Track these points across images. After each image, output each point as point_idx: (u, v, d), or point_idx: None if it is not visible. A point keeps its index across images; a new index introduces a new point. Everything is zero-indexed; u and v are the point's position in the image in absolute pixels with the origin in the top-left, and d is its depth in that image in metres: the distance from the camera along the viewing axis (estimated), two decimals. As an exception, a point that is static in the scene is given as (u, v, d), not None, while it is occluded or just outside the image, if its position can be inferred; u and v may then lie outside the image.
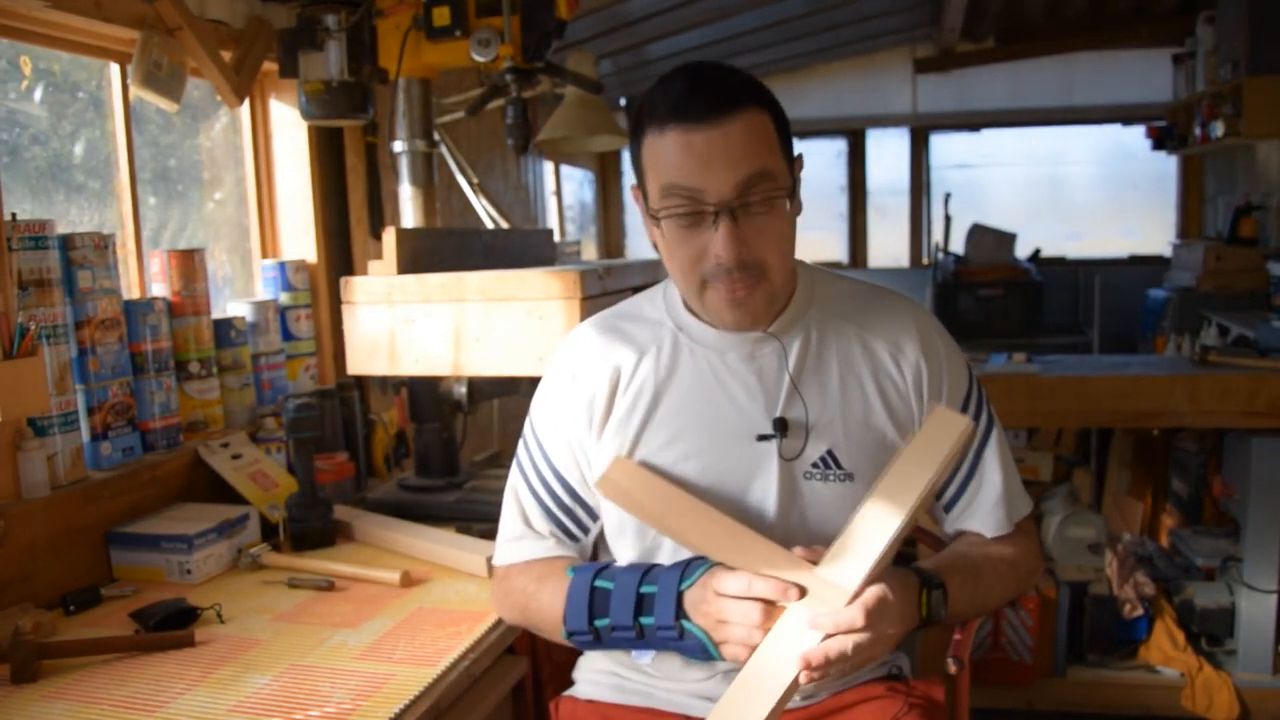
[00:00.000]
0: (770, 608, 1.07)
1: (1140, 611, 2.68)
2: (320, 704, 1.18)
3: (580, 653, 1.39)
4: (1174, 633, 2.68)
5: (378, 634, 1.38)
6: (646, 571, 1.16)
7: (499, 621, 1.42)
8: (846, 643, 1.03)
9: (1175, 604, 2.73)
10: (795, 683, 1.04)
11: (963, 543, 1.28)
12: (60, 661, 1.30)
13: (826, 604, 1.05)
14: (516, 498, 1.32)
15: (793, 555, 1.10)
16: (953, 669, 1.29)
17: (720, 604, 1.08)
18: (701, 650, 1.11)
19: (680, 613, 1.11)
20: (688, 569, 1.13)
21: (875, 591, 1.05)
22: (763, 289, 1.16)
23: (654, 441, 1.22)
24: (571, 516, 1.29)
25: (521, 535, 1.31)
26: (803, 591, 1.06)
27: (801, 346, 1.22)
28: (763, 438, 1.20)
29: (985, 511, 1.27)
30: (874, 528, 1.09)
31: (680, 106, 1.10)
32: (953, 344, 1.28)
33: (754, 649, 1.06)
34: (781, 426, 1.19)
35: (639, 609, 1.13)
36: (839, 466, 1.20)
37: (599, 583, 1.16)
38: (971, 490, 1.27)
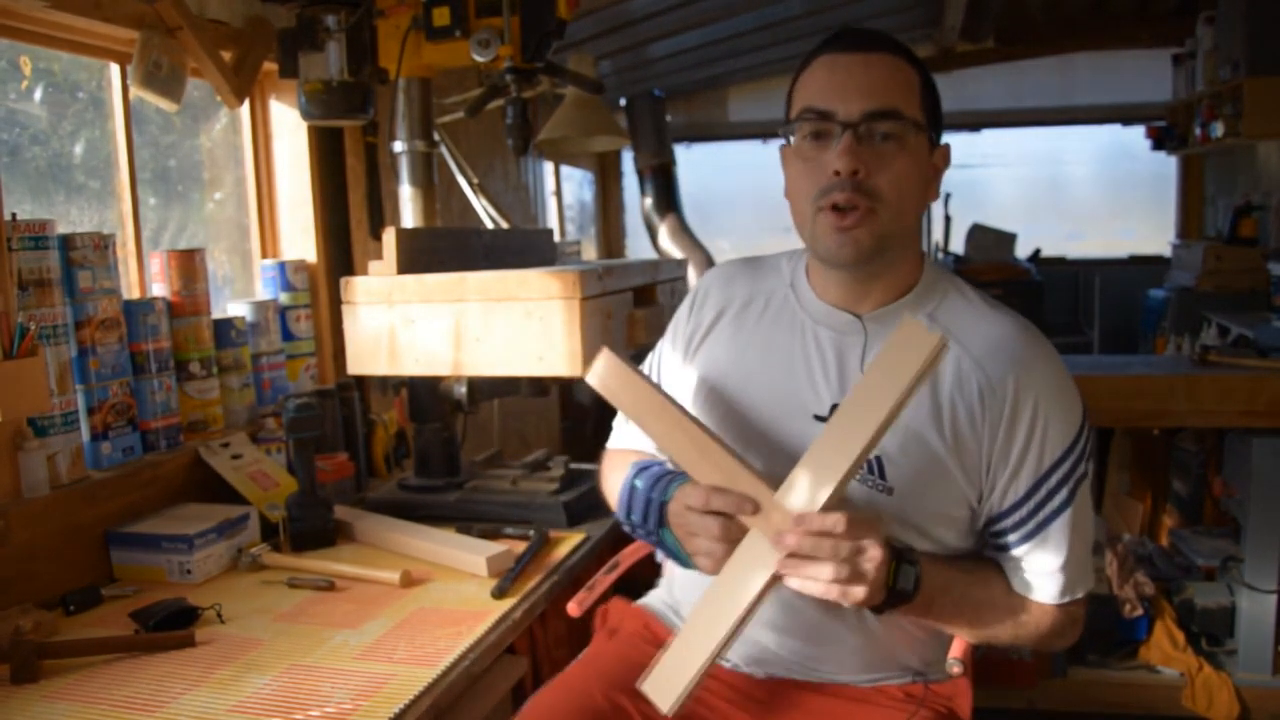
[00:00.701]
0: (729, 523, 1.10)
1: (1140, 611, 2.68)
2: (320, 704, 1.18)
3: (588, 623, 1.49)
4: (1174, 633, 2.68)
5: (378, 634, 1.38)
6: (660, 479, 1.21)
7: (499, 621, 1.42)
8: (817, 544, 1.03)
9: (1175, 604, 2.73)
10: (759, 599, 1.08)
11: (973, 559, 1.27)
12: (60, 661, 1.30)
13: (780, 527, 1.07)
14: None
15: (755, 477, 1.10)
16: (955, 670, 1.29)
17: (688, 517, 1.13)
18: (677, 559, 1.20)
19: (662, 522, 1.18)
20: (672, 481, 1.19)
21: (839, 511, 1.05)
22: (871, 224, 1.14)
23: (730, 381, 1.27)
24: None
25: (622, 423, 1.45)
26: (757, 507, 1.08)
27: None
28: (818, 418, 1.20)
29: (1035, 574, 1.20)
30: (835, 454, 1.07)
31: (835, 39, 1.18)
32: (1059, 411, 1.18)
33: (718, 560, 1.10)
34: None
35: (646, 513, 1.20)
36: (882, 476, 1.17)
37: (635, 482, 1.23)
38: (1029, 548, 1.20)
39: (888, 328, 1.19)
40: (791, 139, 1.19)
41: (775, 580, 1.07)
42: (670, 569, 1.44)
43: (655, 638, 1.37)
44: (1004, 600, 1.22)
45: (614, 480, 1.35)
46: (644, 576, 1.52)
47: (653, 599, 1.46)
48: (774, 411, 1.23)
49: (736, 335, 1.30)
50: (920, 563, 1.13)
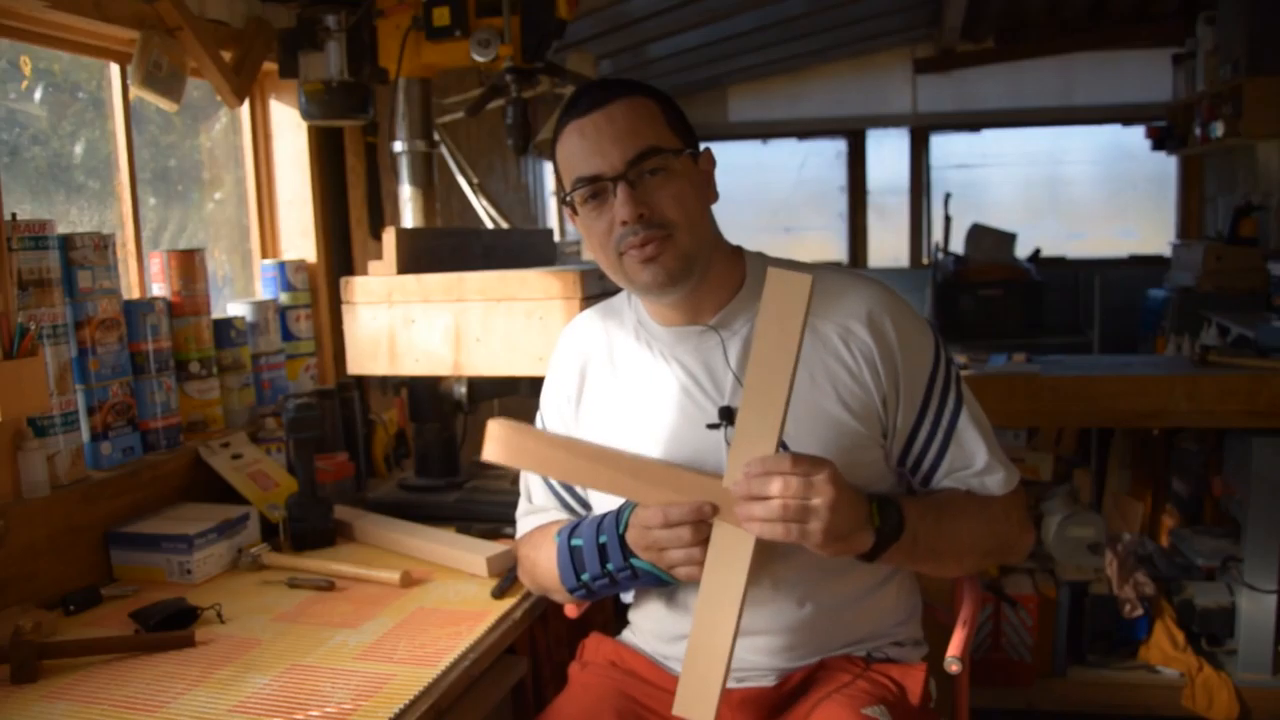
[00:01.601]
0: (697, 524, 1.12)
1: (1140, 611, 2.68)
2: (320, 704, 1.18)
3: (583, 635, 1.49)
4: (1174, 633, 2.68)
5: (378, 634, 1.38)
6: (601, 521, 1.23)
7: (499, 621, 1.42)
8: (764, 482, 1.06)
9: (1175, 604, 2.73)
10: (749, 582, 1.10)
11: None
12: (60, 661, 1.30)
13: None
14: (525, 475, 1.45)
15: (697, 475, 1.14)
16: (954, 669, 1.29)
17: (651, 536, 1.16)
18: (658, 581, 1.21)
19: (628, 553, 1.20)
20: (620, 513, 1.21)
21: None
22: (672, 247, 1.22)
23: (621, 423, 1.31)
24: (570, 491, 1.40)
25: (526, 512, 1.46)
26: (715, 507, 1.12)
27: (748, 337, 1.26)
28: (711, 426, 1.25)
29: (974, 476, 1.28)
30: (760, 423, 1.10)
31: (571, 105, 1.26)
32: (910, 322, 1.28)
33: (699, 562, 1.13)
34: (728, 415, 1.24)
35: (603, 558, 1.22)
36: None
37: (574, 541, 1.25)
38: (951, 456, 1.27)
39: (735, 328, 1.28)
40: (572, 205, 1.27)
41: (758, 558, 1.10)
42: (632, 613, 1.43)
43: (626, 666, 1.38)
44: (974, 505, 1.27)
45: (542, 558, 1.33)
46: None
47: (624, 636, 1.46)
48: (669, 439, 1.27)
49: (610, 384, 1.35)
50: (898, 500, 1.18)
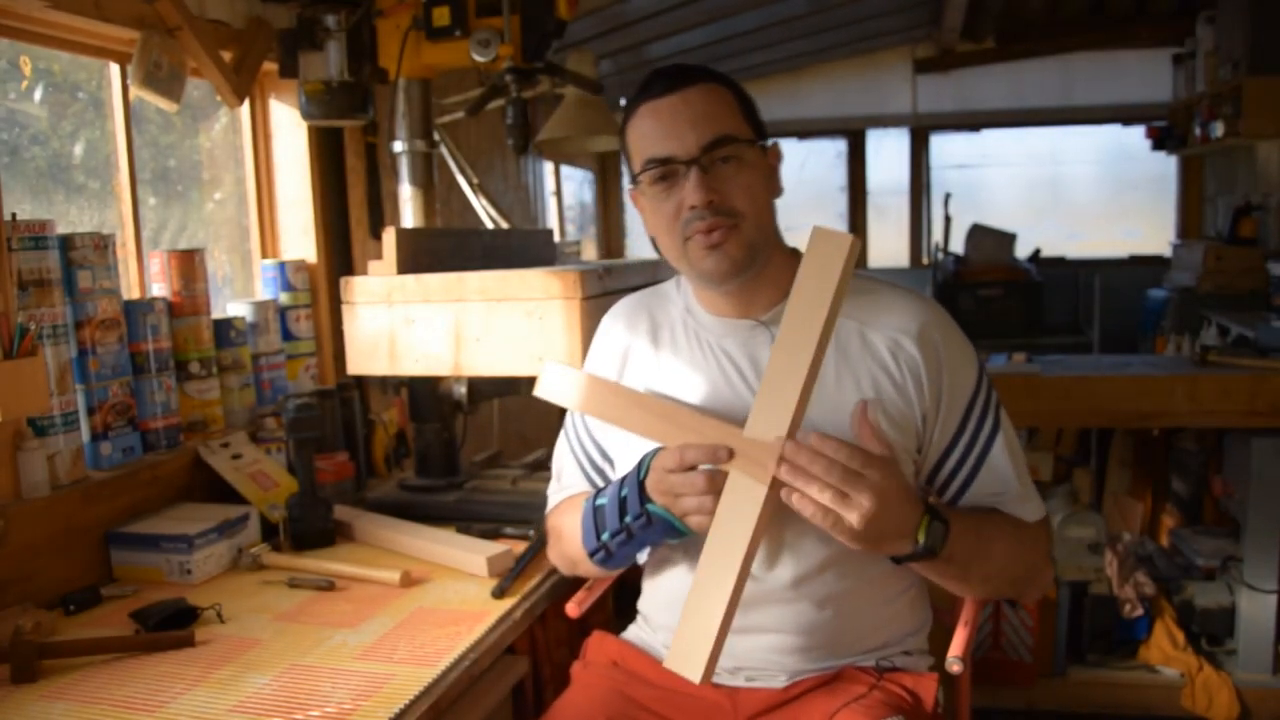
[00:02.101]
0: (713, 473, 1.12)
1: (1140, 611, 2.68)
2: (320, 704, 1.18)
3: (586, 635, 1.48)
4: (1174, 633, 2.68)
5: (378, 634, 1.38)
6: (625, 477, 1.23)
7: (499, 621, 1.42)
8: (811, 459, 1.05)
9: (1175, 604, 2.73)
10: (756, 539, 1.08)
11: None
12: (60, 661, 1.30)
13: (757, 460, 1.09)
14: (558, 456, 1.46)
15: (721, 423, 1.14)
16: (955, 669, 1.29)
17: (668, 480, 1.15)
18: (672, 530, 1.20)
19: (645, 499, 1.19)
20: (644, 461, 1.21)
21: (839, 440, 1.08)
22: (737, 236, 1.23)
23: None
24: (602, 475, 1.40)
25: (556, 491, 1.48)
26: (731, 451, 1.11)
27: None
28: None
29: (1003, 504, 1.27)
30: (787, 375, 1.09)
31: (647, 86, 1.26)
32: (958, 341, 1.28)
33: (710, 512, 1.12)
34: None
35: (622, 510, 1.21)
36: None
37: (598, 501, 1.26)
38: (981, 479, 1.26)
39: None
40: (641, 186, 1.27)
41: (767, 514, 1.09)
42: (644, 603, 1.43)
43: (628, 667, 1.38)
44: (1010, 529, 1.25)
45: (567, 525, 1.35)
46: (634, 581, 1.50)
47: (630, 633, 1.46)
48: None
49: (652, 368, 1.34)
50: (950, 519, 1.15)
